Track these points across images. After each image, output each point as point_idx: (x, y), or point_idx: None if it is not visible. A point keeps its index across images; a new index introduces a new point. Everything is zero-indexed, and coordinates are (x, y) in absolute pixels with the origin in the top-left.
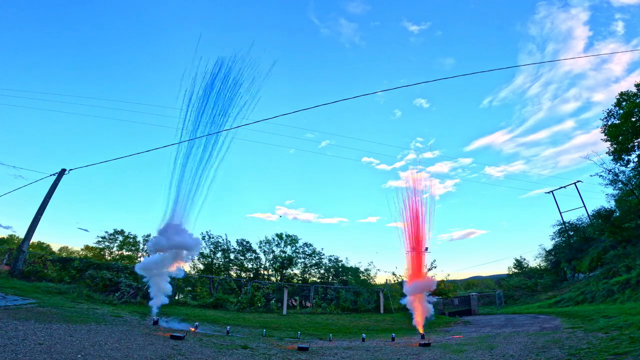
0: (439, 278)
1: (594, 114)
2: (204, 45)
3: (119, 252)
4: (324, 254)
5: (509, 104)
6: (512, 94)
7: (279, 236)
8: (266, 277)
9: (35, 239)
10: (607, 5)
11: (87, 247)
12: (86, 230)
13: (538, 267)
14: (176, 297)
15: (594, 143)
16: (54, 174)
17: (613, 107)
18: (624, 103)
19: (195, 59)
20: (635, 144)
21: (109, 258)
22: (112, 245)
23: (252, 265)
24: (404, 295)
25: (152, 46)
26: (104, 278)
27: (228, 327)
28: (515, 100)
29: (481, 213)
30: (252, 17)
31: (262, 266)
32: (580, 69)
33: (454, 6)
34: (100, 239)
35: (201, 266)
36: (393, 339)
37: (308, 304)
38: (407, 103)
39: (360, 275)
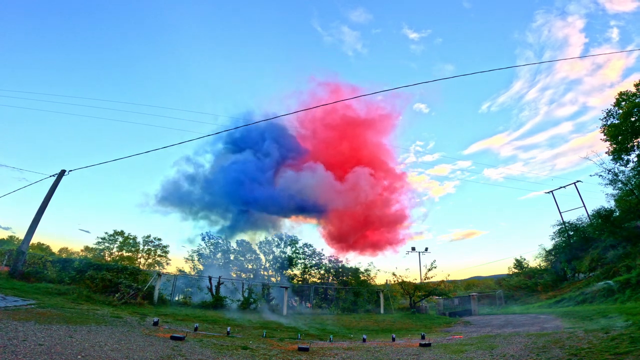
0: (439, 278)
1: (590, 117)
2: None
3: (119, 253)
4: (324, 255)
5: (506, 109)
6: (509, 99)
7: (279, 237)
8: (266, 277)
9: (35, 240)
10: (602, 13)
11: (87, 248)
12: (87, 231)
13: (538, 267)
14: (176, 298)
15: (590, 145)
16: (53, 175)
17: (612, 107)
18: (623, 103)
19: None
20: (635, 143)
21: (109, 259)
22: (112, 246)
23: (252, 265)
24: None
25: (153, 47)
26: (103, 279)
27: (228, 328)
28: (513, 105)
29: (481, 214)
30: (255, 25)
31: (262, 267)
32: (576, 75)
33: (454, 14)
34: (100, 240)
35: (201, 267)
36: (393, 339)
37: (308, 305)
38: (407, 108)
39: (360, 275)
